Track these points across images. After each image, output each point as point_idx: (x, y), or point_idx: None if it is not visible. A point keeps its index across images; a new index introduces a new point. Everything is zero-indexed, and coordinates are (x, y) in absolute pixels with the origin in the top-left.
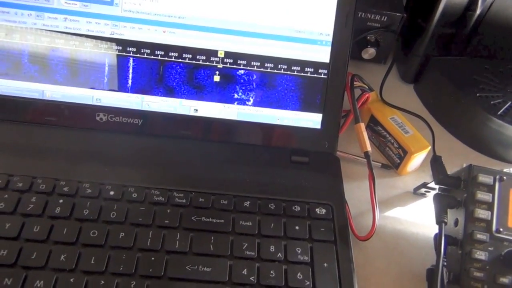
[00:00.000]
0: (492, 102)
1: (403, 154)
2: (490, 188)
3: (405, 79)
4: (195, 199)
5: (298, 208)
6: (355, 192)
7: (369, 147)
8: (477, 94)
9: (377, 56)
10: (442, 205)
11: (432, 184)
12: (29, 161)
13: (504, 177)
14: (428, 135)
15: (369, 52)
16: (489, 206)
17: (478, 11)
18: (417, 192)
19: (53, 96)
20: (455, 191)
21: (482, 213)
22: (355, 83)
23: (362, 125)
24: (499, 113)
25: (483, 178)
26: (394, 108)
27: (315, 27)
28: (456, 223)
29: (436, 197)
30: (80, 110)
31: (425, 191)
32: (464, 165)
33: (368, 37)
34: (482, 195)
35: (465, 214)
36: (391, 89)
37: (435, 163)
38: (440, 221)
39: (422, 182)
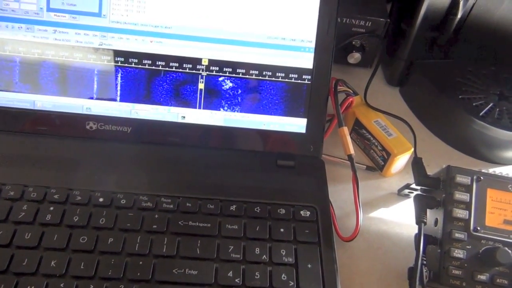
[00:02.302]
0: (474, 104)
1: (387, 156)
2: (467, 188)
3: (391, 82)
4: (183, 204)
5: (283, 211)
6: (341, 194)
7: (352, 151)
8: (460, 96)
9: (363, 61)
10: (422, 205)
11: None
12: (20, 170)
13: (481, 177)
14: (412, 138)
15: (355, 57)
16: (467, 205)
17: (459, 15)
18: (401, 193)
19: (43, 106)
20: (435, 192)
21: (460, 213)
22: (339, 87)
23: (346, 129)
24: (481, 114)
25: (461, 179)
26: (378, 112)
27: (298, 34)
28: (435, 222)
29: (416, 197)
30: (70, 119)
31: (409, 192)
32: (444, 166)
33: (354, 42)
34: (460, 195)
35: (444, 214)
36: (378, 93)
37: (416, 164)
38: (419, 221)
39: (405, 183)
